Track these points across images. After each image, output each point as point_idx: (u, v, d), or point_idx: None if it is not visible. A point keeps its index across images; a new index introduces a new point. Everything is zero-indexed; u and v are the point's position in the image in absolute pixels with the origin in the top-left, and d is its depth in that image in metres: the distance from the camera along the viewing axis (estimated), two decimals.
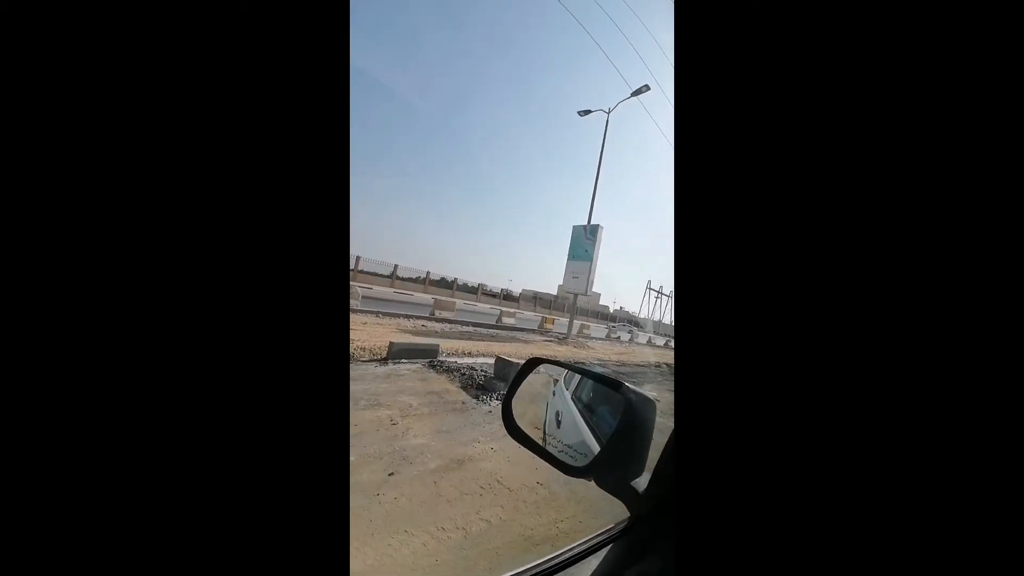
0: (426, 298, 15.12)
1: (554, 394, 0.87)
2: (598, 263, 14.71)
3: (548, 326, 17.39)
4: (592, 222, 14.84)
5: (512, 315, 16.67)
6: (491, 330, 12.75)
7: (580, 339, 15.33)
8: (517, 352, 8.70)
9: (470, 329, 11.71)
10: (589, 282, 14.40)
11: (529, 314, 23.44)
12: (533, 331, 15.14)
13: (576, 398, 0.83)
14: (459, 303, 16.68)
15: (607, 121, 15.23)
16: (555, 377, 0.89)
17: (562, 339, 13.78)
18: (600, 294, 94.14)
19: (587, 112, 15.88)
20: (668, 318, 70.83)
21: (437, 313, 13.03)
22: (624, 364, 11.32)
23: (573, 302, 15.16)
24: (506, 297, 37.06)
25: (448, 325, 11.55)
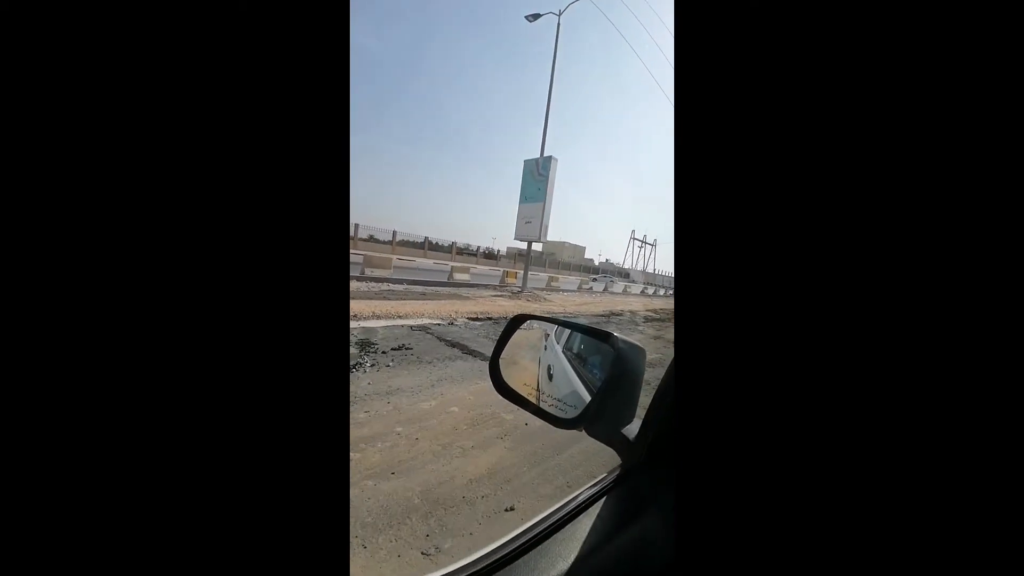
0: (374, 257, 13.37)
1: (545, 348, 0.83)
2: (552, 204, 12.75)
3: (510, 280, 15.95)
4: (547, 154, 12.62)
5: (466, 271, 14.99)
6: (434, 287, 11.11)
7: (539, 292, 13.82)
8: (435, 311, 7.14)
9: (400, 288, 10.03)
10: (543, 227, 12.54)
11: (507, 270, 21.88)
12: (489, 286, 13.60)
13: (567, 351, 0.79)
14: (419, 260, 14.81)
15: (558, 25, 12.53)
16: (547, 332, 0.86)
17: (515, 293, 12.25)
18: (585, 247, 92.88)
19: (536, 16, 13.04)
20: (652, 266, 70.36)
21: (367, 271, 11.23)
22: (577, 316, 9.91)
23: (528, 251, 13.38)
24: (487, 255, 36.07)
25: (372, 284, 9.80)
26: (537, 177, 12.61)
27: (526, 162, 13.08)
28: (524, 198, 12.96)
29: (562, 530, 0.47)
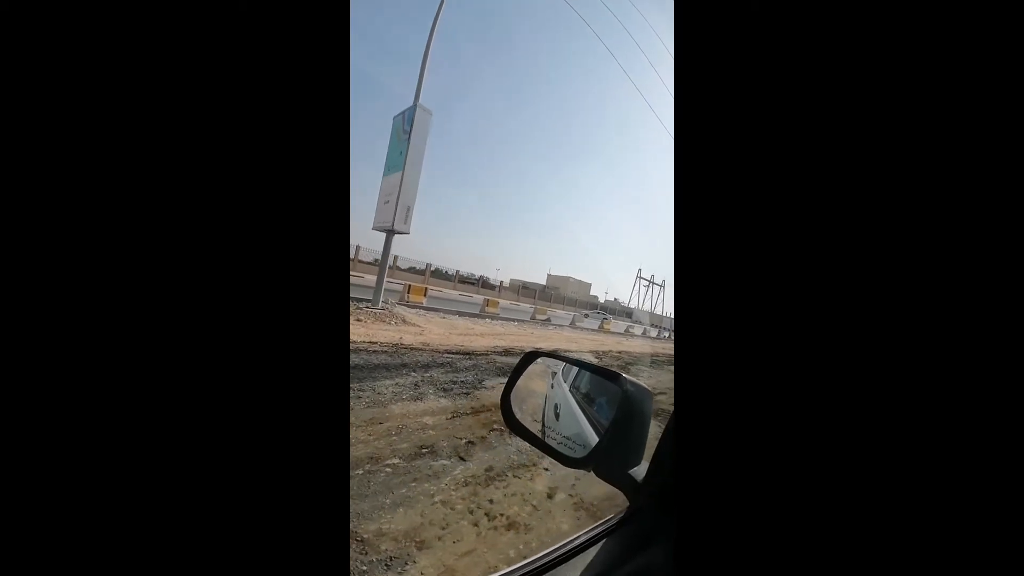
0: None
1: (552, 387, 0.87)
2: (420, 174, 8.57)
3: (414, 298, 11.81)
4: (424, 107, 8.62)
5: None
6: None
7: (403, 310, 9.31)
8: None
9: None
10: (399, 207, 8.32)
11: (459, 294, 17.61)
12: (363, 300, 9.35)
13: (574, 390, 0.82)
14: None
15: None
16: (553, 370, 0.88)
17: (358, 308, 7.86)
18: (591, 284, 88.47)
19: None
20: (661, 308, 64.81)
21: None
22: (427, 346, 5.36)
23: (386, 244, 9.03)
24: (483, 285, 35.90)
25: None
26: (402, 137, 8.63)
27: (395, 119, 9.20)
28: (387, 168, 8.90)
29: (570, 561, 0.49)
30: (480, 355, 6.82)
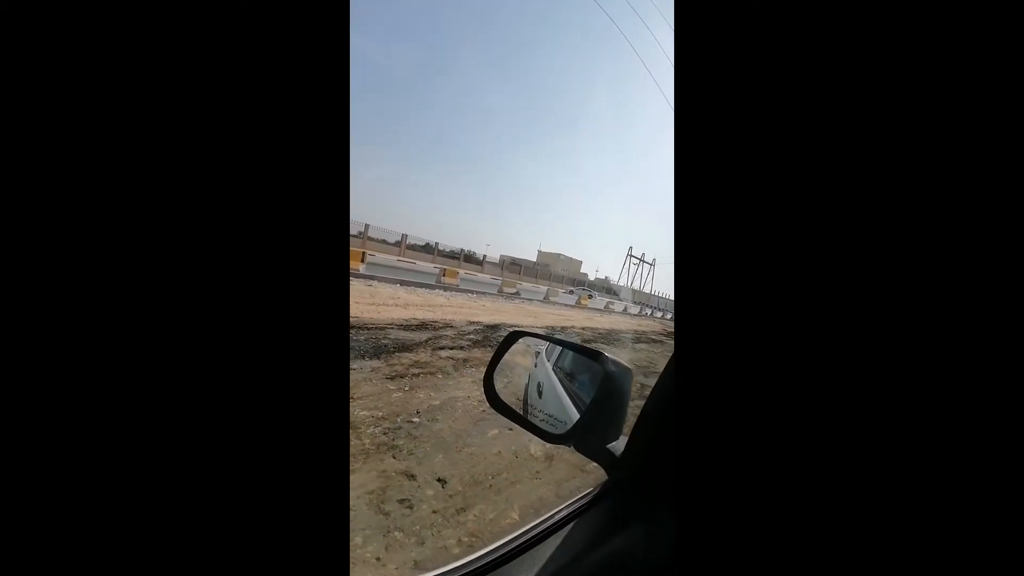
0: None
1: (536, 366, 0.90)
2: None
3: (353, 264, 9.93)
4: None
5: None
6: None
7: None
8: None
9: None
10: None
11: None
12: None
13: (557, 369, 0.83)
14: None
15: None
16: (536, 350, 0.90)
17: None
18: (581, 261, 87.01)
19: None
20: (650, 287, 63.77)
21: None
22: None
23: None
24: (465, 259, 34.40)
25: None
26: None
27: None
28: None
29: (552, 536, 0.50)
30: (373, 329, 5.11)
